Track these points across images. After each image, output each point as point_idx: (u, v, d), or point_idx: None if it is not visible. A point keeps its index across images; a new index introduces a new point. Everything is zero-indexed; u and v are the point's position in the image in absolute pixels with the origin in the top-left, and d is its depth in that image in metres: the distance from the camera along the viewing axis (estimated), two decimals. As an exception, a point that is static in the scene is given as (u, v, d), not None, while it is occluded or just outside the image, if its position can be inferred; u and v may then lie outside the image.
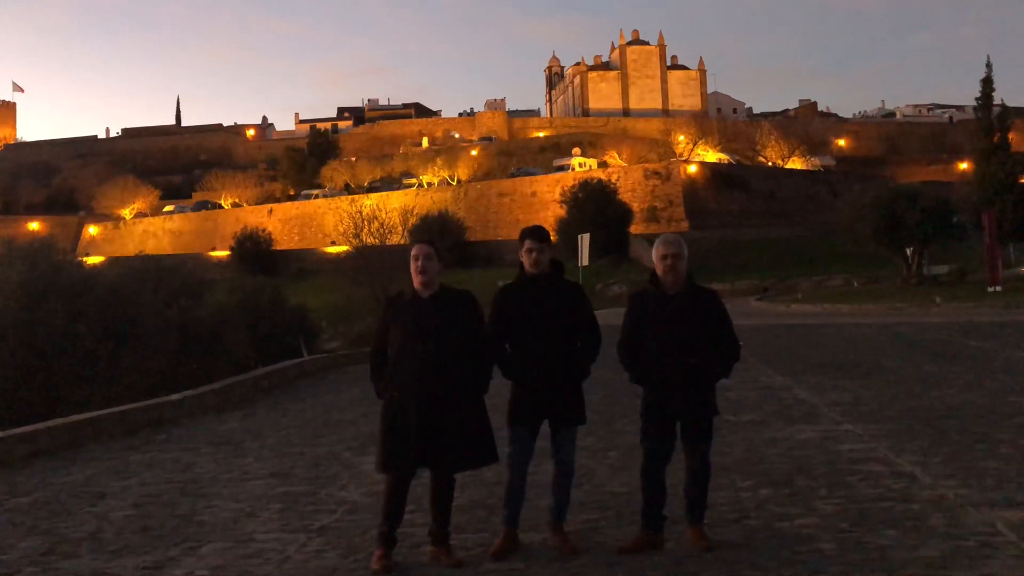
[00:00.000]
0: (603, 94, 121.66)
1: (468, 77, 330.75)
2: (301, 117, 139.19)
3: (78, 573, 5.68)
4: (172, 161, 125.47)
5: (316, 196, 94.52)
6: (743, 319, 29.74)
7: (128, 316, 16.58)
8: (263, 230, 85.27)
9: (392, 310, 5.73)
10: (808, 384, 13.00)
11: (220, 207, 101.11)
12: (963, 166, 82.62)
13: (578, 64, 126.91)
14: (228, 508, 7.19)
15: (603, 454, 8.52)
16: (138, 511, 7.25)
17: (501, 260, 62.83)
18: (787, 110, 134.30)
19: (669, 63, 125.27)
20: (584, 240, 37.64)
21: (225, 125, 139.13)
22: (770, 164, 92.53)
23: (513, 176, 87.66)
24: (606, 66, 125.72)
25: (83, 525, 6.87)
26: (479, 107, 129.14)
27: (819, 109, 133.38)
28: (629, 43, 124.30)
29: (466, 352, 5.57)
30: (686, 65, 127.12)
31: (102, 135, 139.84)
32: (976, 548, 5.31)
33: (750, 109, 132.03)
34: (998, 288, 35.15)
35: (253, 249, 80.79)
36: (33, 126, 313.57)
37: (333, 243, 70.88)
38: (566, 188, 68.89)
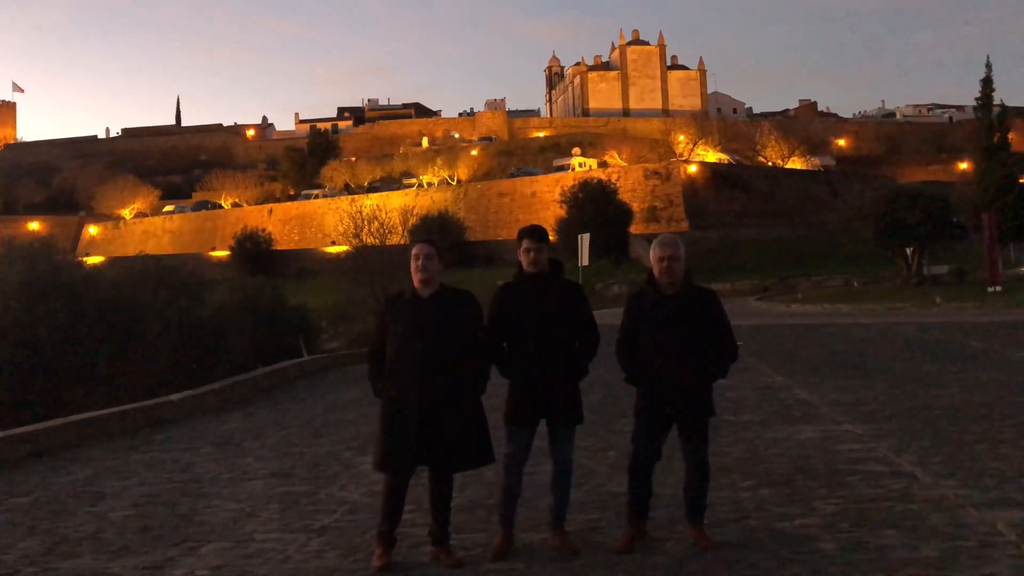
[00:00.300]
0: (603, 94, 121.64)
1: (468, 77, 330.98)
2: (301, 117, 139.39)
3: (78, 573, 5.67)
4: (172, 161, 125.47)
5: (316, 196, 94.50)
6: (743, 319, 29.76)
7: (128, 316, 16.58)
8: (263, 230, 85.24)
9: (392, 309, 5.72)
10: (808, 384, 13.00)
11: (220, 207, 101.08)
12: (963, 166, 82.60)
13: (578, 64, 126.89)
14: (228, 508, 7.19)
15: (603, 454, 8.52)
16: (138, 511, 7.25)
17: (501, 260, 62.80)
18: (787, 110, 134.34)
19: (669, 63, 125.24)
20: (584, 240, 37.64)
21: (225, 125, 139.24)
22: (770, 164, 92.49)
23: (513, 176, 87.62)
24: (606, 66, 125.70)
25: (83, 525, 6.87)
26: (479, 107, 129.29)
27: (819, 109, 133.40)
28: (629, 43, 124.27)
29: (465, 352, 5.56)
30: (686, 65, 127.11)
31: (102, 135, 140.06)
32: (976, 548, 5.31)
33: (750, 109, 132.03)
34: (998, 288, 35.15)
35: (253, 249, 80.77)
36: (33, 126, 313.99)
37: (333, 243, 70.88)
38: (566, 188, 68.86)
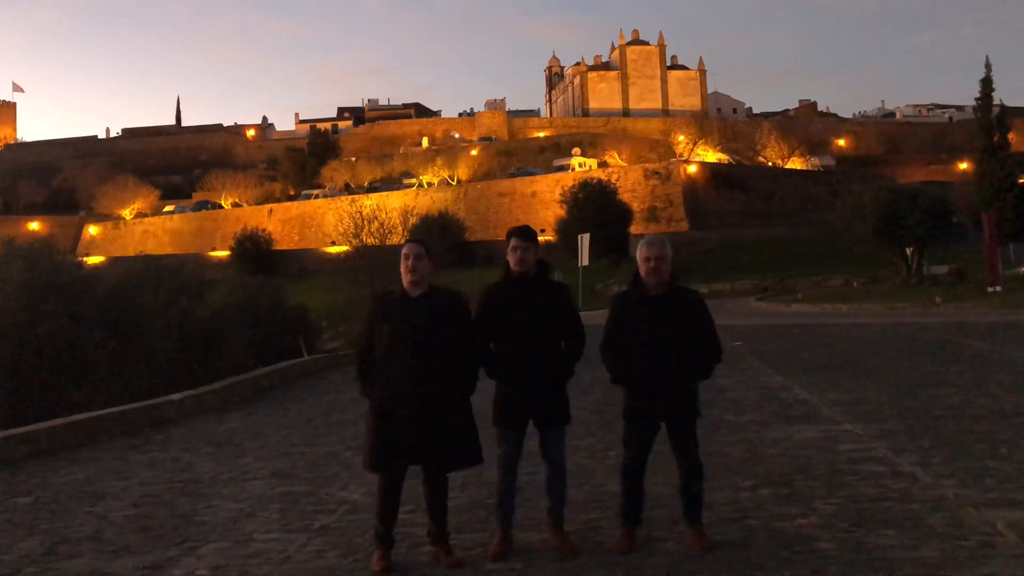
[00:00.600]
0: (603, 94, 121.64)
1: (468, 77, 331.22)
2: (301, 117, 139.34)
3: (78, 573, 5.68)
4: (172, 161, 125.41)
5: (316, 196, 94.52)
6: (743, 319, 29.77)
7: (128, 316, 16.54)
8: (263, 230, 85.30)
9: (381, 308, 5.70)
10: (808, 384, 12.98)
11: (220, 207, 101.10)
12: (963, 166, 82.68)
13: (578, 64, 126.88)
14: (228, 508, 7.19)
15: (603, 454, 8.51)
16: (138, 511, 7.25)
17: (501, 260, 61.98)
18: (787, 110, 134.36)
19: (669, 63, 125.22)
20: (584, 240, 37.69)
21: (225, 125, 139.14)
22: (770, 164, 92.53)
23: (513, 176, 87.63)
24: (606, 66, 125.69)
25: (83, 525, 6.87)
26: (479, 107, 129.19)
27: (819, 109, 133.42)
28: (629, 43, 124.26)
29: (454, 352, 5.56)
30: (686, 65, 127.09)
31: (102, 135, 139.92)
32: (976, 548, 5.31)
33: (750, 109, 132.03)
34: (998, 288, 35.10)
35: (253, 249, 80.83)
36: (33, 126, 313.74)
37: (333, 243, 70.90)
38: (566, 188, 68.91)
